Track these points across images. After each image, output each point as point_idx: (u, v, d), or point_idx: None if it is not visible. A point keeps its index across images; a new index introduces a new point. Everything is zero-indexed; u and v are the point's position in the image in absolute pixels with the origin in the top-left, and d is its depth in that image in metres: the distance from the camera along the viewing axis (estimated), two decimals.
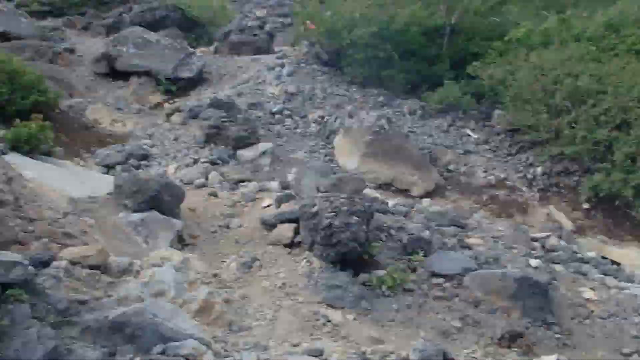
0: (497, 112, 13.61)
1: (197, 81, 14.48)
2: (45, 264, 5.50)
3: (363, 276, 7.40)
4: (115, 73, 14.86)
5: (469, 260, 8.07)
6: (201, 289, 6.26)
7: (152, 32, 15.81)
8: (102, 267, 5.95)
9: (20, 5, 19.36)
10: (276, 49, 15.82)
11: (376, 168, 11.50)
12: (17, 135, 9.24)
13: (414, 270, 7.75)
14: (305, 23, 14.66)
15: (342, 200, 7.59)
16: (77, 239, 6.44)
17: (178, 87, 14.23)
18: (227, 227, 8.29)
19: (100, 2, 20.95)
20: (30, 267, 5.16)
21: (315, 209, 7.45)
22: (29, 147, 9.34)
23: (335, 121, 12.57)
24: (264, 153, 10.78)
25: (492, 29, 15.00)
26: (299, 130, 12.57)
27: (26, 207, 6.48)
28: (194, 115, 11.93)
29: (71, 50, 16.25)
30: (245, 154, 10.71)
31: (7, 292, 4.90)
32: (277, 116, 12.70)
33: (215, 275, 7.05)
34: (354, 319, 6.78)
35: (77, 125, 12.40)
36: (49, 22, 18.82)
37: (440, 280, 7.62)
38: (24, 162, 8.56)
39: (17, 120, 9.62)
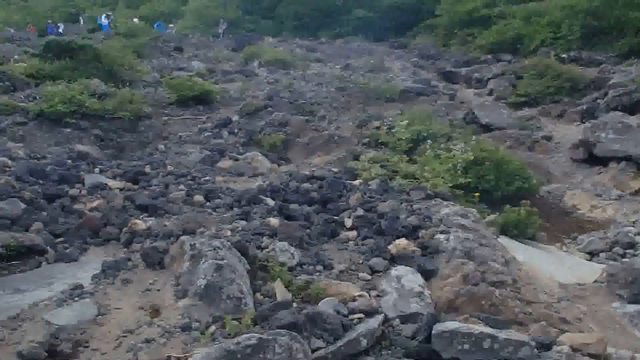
0: None
1: None
2: (547, 347, 5.60)
3: None
4: (592, 159, 14.75)
5: None
6: None
7: (631, 117, 15.32)
8: (601, 357, 5.80)
9: (500, 98, 20.88)
10: None
11: None
12: (507, 220, 9.80)
13: None
14: None
15: None
16: (572, 325, 6.42)
17: None
18: None
19: (574, 89, 21.21)
20: (534, 349, 5.35)
21: None
22: (517, 232, 9.80)
23: None
24: None
25: None
26: None
27: (523, 289, 6.76)
28: None
29: (548, 138, 16.73)
30: None
31: None
32: None
33: None
34: None
35: (555, 211, 12.56)
36: (525, 112, 19.80)
37: None
38: (513, 246, 8.98)
39: (507, 206, 10.21)
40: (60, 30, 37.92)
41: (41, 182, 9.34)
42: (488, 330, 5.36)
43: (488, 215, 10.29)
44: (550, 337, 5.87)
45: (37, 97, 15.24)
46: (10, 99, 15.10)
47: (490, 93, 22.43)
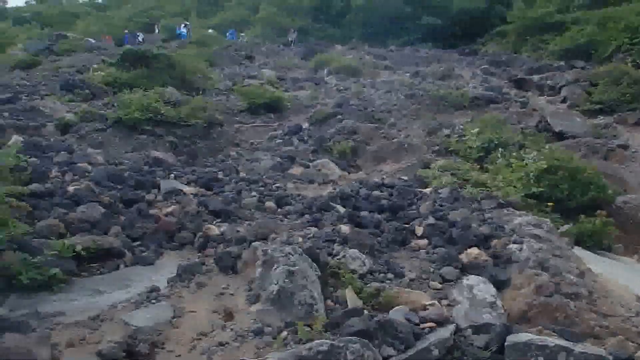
0: None
1: None
2: None
3: None
4: None
5: None
6: None
7: None
8: None
9: (573, 105, 20.35)
10: None
11: None
12: (582, 230, 9.58)
13: None
14: None
15: None
16: None
17: None
18: None
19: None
20: None
21: None
22: (592, 242, 9.56)
23: None
24: None
25: None
26: None
27: (598, 301, 6.58)
28: None
29: (624, 147, 16.21)
30: None
31: None
32: None
33: None
34: None
35: (633, 222, 12.15)
36: (600, 119, 19.21)
37: None
38: (588, 257, 8.74)
39: (582, 216, 9.96)
40: (140, 39, 39.13)
41: (119, 187, 9.64)
42: (563, 342, 5.26)
43: (562, 225, 10.07)
44: (628, 351, 5.70)
45: (115, 105, 15.75)
46: (90, 107, 15.67)
47: (564, 100, 21.85)
